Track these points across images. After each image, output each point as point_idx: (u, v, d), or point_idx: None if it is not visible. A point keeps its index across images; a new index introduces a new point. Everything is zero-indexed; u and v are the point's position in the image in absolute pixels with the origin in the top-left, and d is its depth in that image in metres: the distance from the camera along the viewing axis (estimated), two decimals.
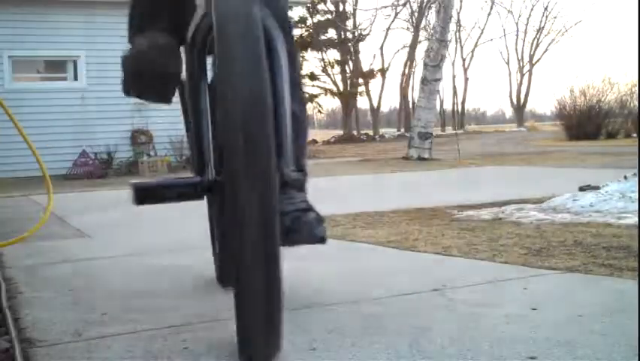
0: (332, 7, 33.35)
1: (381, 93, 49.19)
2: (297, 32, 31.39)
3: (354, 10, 35.69)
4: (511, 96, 49.61)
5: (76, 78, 12.61)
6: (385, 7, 36.63)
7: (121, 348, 1.84)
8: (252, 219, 1.48)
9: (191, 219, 5.15)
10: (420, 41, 37.80)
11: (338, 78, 34.83)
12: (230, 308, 1.59)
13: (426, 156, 12.33)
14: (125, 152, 12.42)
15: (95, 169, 11.66)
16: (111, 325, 2.08)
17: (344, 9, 34.55)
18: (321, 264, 3.04)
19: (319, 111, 38.63)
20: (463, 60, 47.04)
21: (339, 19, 31.76)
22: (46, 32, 12.21)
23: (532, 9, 67.01)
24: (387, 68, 40.15)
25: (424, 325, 1.95)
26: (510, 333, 1.84)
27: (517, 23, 48.50)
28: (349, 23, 34.64)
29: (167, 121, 12.60)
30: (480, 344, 1.76)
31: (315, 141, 27.68)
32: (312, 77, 33.39)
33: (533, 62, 48.28)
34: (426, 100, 12.82)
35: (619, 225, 3.63)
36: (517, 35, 48.22)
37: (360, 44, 37.94)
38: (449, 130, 35.81)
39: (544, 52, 48.51)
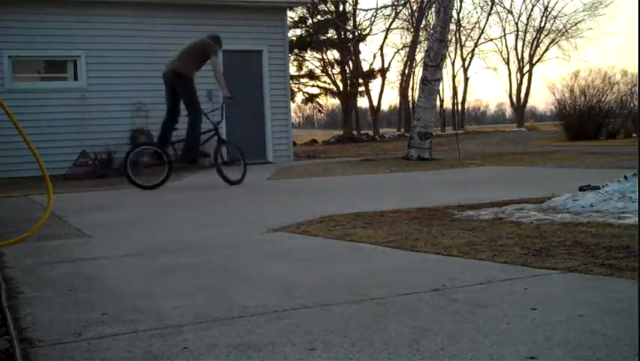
0: (332, 7, 33.29)
1: (381, 93, 48.98)
2: (297, 32, 31.37)
3: (354, 10, 35.67)
4: (511, 96, 49.57)
5: (76, 78, 12.59)
6: (385, 7, 36.52)
7: (121, 348, 1.84)
8: None
9: (192, 220, 5.17)
10: (420, 41, 37.74)
11: (338, 78, 34.77)
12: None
13: (426, 156, 12.30)
14: (125, 152, 12.38)
15: (95, 169, 11.62)
16: (111, 325, 2.08)
17: (344, 9, 34.50)
18: (321, 264, 3.04)
19: (319, 111, 38.55)
20: (463, 60, 47.10)
21: (339, 19, 31.71)
22: (46, 32, 12.20)
23: (532, 9, 67.15)
24: (388, 68, 40.14)
25: (424, 325, 1.95)
26: (510, 333, 1.84)
27: (517, 23, 48.37)
28: (349, 23, 34.60)
29: None
30: (480, 344, 1.76)
31: (315, 141, 27.64)
32: (312, 76, 33.33)
33: (533, 62, 48.29)
34: (426, 100, 12.81)
35: (619, 225, 3.63)
36: (517, 35, 48.17)
37: (360, 44, 37.84)
38: (449, 130, 35.77)
39: (545, 51, 48.42)
